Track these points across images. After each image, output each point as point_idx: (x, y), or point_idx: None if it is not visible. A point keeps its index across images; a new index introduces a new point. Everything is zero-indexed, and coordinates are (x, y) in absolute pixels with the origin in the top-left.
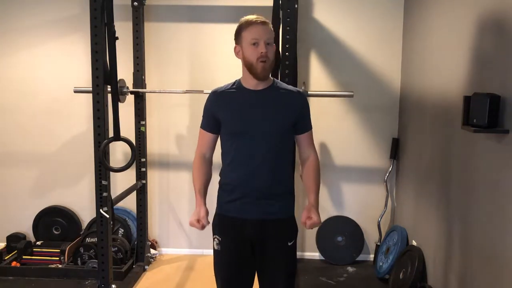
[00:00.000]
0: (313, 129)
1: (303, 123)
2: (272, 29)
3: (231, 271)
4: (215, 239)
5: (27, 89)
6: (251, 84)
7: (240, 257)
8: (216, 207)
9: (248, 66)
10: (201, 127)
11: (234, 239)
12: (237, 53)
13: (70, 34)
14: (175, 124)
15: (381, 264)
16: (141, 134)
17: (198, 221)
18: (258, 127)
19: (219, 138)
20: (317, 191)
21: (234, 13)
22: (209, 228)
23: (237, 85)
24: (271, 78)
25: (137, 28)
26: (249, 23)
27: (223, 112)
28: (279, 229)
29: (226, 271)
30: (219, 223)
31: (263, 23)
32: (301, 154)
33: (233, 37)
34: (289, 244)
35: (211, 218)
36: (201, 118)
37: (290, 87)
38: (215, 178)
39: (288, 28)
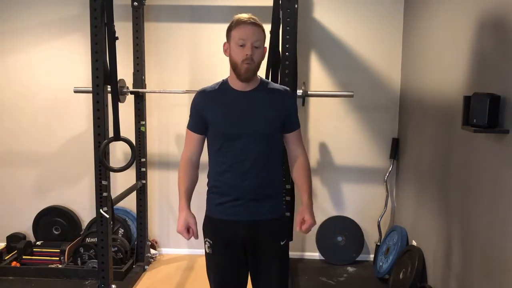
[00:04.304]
0: (313, 130)
1: (291, 122)
2: (263, 31)
3: (224, 274)
4: (207, 242)
5: (27, 89)
6: (239, 85)
7: (233, 259)
8: (206, 210)
9: (233, 66)
10: (188, 127)
11: (226, 241)
12: (225, 51)
13: (70, 34)
14: (175, 124)
15: (381, 264)
16: (141, 134)
17: (188, 229)
18: (247, 129)
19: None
20: (309, 190)
21: (234, 13)
22: None
23: (225, 85)
24: (258, 77)
25: (137, 28)
26: (239, 22)
27: (212, 113)
28: (271, 229)
29: (219, 274)
30: (210, 226)
31: (253, 24)
32: (290, 153)
33: None
34: (281, 243)
35: (200, 221)
36: None
37: (277, 86)
38: (203, 180)
39: (288, 28)
